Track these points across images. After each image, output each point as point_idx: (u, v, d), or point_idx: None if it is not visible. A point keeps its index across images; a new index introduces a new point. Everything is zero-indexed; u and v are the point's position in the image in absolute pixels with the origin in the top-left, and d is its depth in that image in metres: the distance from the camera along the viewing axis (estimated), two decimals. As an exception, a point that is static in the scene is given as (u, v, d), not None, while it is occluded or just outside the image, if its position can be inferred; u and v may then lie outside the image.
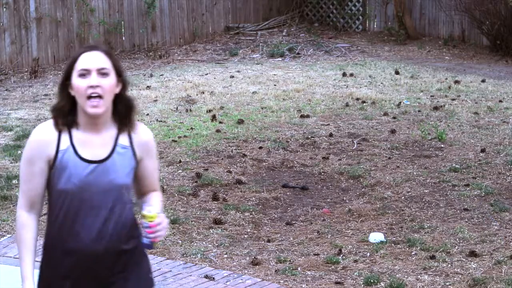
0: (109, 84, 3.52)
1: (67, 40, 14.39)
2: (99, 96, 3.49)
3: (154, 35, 15.66)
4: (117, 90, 3.58)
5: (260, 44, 16.09)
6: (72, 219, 3.56)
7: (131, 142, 3.62)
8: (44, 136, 3.57)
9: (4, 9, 13.52)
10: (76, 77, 3.52)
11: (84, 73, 3.50)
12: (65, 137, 3.57)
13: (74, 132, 3.57)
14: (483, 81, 12.74)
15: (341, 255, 6.48)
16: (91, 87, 3.48)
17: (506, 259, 6.31)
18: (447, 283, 5.96)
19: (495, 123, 10.22)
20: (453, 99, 11.47)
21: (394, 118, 10.48)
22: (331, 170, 8.55)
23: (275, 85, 12.51)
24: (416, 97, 11.61)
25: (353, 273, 6.16)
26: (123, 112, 3.61)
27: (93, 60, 3.52)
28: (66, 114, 3.56)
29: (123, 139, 3.61)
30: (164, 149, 9.08)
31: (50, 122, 3.60)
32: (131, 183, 3.66)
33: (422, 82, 12.66)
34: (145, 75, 13.38)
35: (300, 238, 6.89)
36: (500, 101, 11.38)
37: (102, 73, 3.51)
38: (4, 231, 6.93)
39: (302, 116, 10.57)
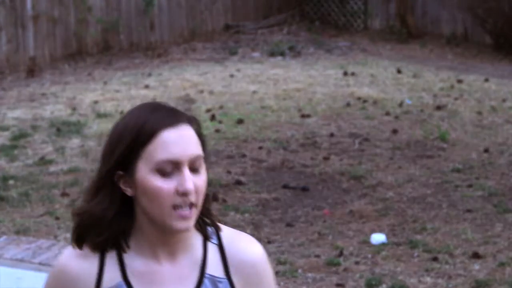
0: (205, 183, 2.11)
1: (64, 38, 14.33)
2: (191, 204, 2.07)
3: (153, 33, 15.59)
4: None
5: (260, 42, 16.04)
6: None
7: (227, 269, 2.20)
8: (72, 268, 2.12)
9: (0, 8, 13.46)
10: (152, 173, 2.05)
11: (169, 170, 2.05)
12: (112, 266, 2.12)
13: (127, 258, 2.12)
14: (486, 80, 12.66)
15: (342, 257, 6.42)
16: (185, 194, 2.05)
17: (509, 260, 6.27)
18: (450, 285, 5.92)
19: (498, 122, 10.18)
20: (456, 99, 11.40)
21: (396, 117, 10.42)
22: (332, 171, 8.50)
23: (275, 84, 12.46)
24: (419, 97, 11.55)
25: (355, 275, 6.11)
26: (211, 220, 2.22)
27: (184, 145, 2.06)
28: (108, 226, 2.08)
29: (215, 266, 2.19)
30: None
31: (84, 246, 2.13)
32: None
33: (425, 81, 12.60)
34: (143, 74, 13.34)
35: (300, 239, 6.84)
36: (504, 100, 11.32)
37: (194, 168, 2.08)
38: (1, 232, 6.83)
39: (302, 116, 10.50)
